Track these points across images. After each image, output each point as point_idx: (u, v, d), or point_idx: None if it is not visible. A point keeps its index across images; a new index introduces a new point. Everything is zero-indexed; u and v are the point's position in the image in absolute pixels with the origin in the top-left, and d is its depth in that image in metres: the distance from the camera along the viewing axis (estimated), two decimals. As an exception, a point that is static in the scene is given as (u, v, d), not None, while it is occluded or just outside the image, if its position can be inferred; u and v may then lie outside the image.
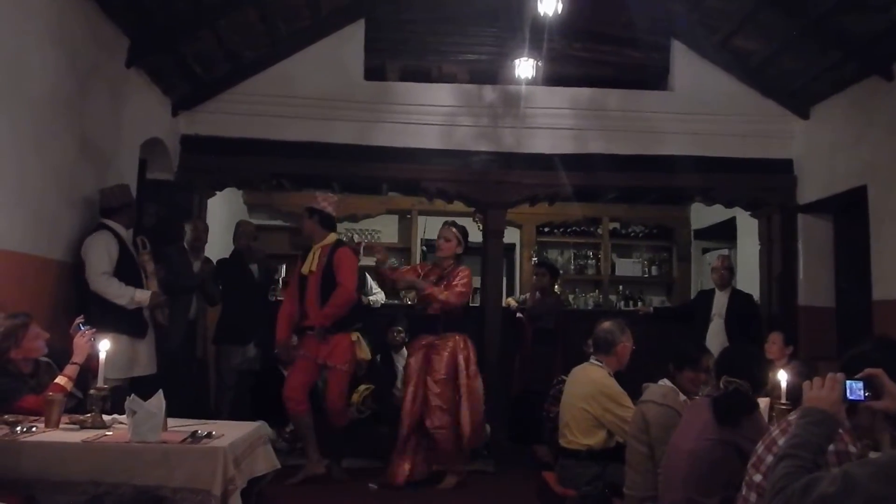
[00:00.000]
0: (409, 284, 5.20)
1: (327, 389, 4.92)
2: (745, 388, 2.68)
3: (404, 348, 6.27)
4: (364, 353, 4.97)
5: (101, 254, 4.18)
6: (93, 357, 3.30)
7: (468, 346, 4.99)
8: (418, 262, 8.74)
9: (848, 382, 1.78)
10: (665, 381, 3.32)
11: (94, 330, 3.42)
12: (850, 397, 1.78)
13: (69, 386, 3.28)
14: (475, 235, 6.94)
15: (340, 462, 5.03)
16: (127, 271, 4.29)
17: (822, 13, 5.04)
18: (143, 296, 4.30)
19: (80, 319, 3.49)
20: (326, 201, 5.06)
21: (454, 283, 4.95)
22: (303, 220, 5.09)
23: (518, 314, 6.71)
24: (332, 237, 5.00)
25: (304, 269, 4.90)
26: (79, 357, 3.34)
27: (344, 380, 4.91)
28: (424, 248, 8.75)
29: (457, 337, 4.97)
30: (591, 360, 3.94)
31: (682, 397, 3.18)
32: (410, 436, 4.92)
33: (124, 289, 4.21)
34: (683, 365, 3.33)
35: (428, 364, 4.94)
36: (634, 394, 3.71)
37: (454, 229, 5.15)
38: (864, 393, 1.78)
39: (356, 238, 6.53)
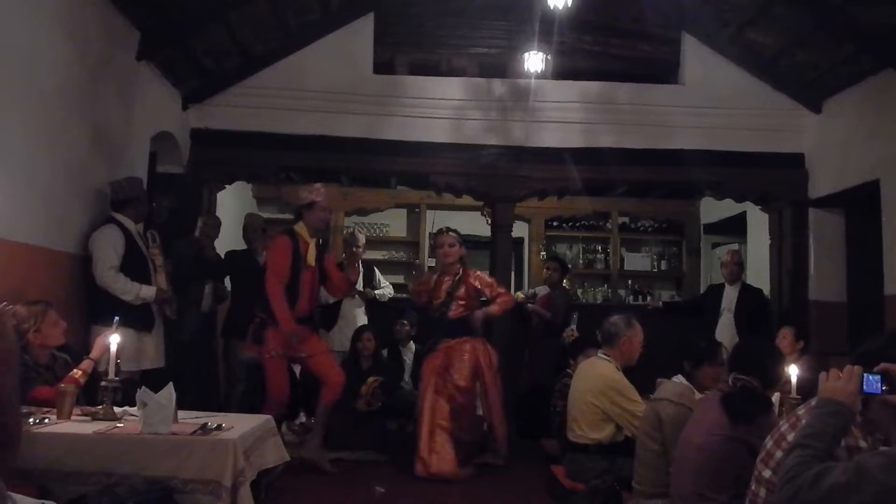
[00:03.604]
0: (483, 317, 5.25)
1: (326, 370, 4.87)
2: (754, 386, 2.65)
3: (411, 341, 6.29)
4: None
5: (106, 248, 4.19)
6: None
7: (487, 349, 5.17)
8: (426, 256, 8.78)
9: (865, 375, 1.78)
10: (680, 378, 3.29)
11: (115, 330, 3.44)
12: (867, 390, 1.78)
13: (83, 379, 3.31)
14: (483, 230, 6.96)
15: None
16: (134, 265, 4.31)
17: (835, 6, 4.99)
18: (148, 292, 4.30)
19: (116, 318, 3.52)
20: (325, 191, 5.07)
21: (498, 291, 5.23)
22: (329, 212, 5.11)
23: (528, 304, 6.71)
24: None
25: (311, 261, 4.86)
26: (95, 353, 3.38)
27: (330, 355, 5.12)
28: (433, 242, 8.74)
29: (475, 341, 5.12)
30: (599, 354, 3.94)
31: (698, 395, 3.14)
32: (433, 433, 4.96)
33: (130, 284, 4.21)
34: (701, 361, 3.28)
35: (450, 366, 5.05)
36: (644, 388, 3.70)
37: (453, 234, 5.27)
38: (882, 387, 1.77)
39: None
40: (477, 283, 5.18)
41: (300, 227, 4.91)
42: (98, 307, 4.19)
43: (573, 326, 5.95)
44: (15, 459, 1.07)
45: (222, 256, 5.88)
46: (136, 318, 4.25)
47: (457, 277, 5.17)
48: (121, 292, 4.19)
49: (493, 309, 5.19)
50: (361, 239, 6.50)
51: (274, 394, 4.77)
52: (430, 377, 5.06)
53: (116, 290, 4.18)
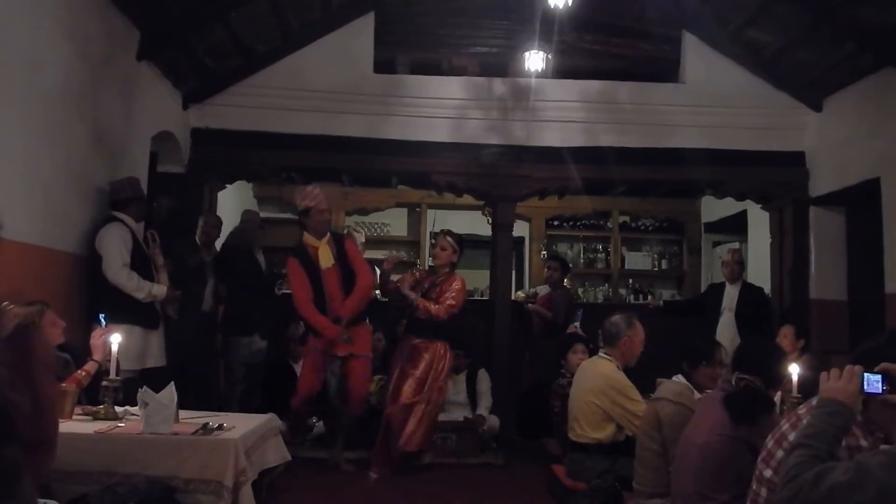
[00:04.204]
0: (403, 296, 5.18)
1: (351, 378, 4.88)
2: (756, 386, 2.65)
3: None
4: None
5: (118, 246, 4.21)
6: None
7: (446, 356, 5.13)
8: (427, 255, 8.79)
9: (866, 375, 1.78)
10: (679, 378, 3.29)
11: (105, 327, 3.46)
12: (868, 390, 1.78)
13: (86, 381, 3.32)
14: (484, 229, 6.96)
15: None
16: (138, 265, 4.32)
17: (836, 4, 4.99)
18: (159, 290, 4.34)
19: (102, 316, 3.55)
20: (320, 191, 5.04)
21: (446, 296, 5.09)
22: (328, 213, 5.00)
23: (528, 305, 6.71)
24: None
25: (325, 264, 4.86)
26: (98, 355, 3.39)
27: (369, 367, 5.04)
28: (433, 241, 8.75)
29: (438, 344, 5.11)
30: (600, 354, 3.94)
31: (697, 395, 3.14)
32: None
33: (142, 282, 4.24)
34: (698, 361, 3.28)
35: (411, 362, 5.07)
36: (645, 388, 3.70)
37: (449, 238, 5.27)
38: (883, 387, 1.77)
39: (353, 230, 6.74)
40: (448, 290, 5.13)
41: (306, 237, 4.94)
42: (107, 306, 4.18)
43: (577, 323, 5.95)
44: (52, 462, 1.08)
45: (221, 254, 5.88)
46: (144, 316, 4.28)
47: (438, 280, 5.19)
48: (133, 290, 4.20)
49: (425, 304, 5.06)
50: (360, 238, 6.52)
51: (301, 388, 4.89)
52: (393, 374, 5.09)
53: (128, 288, 4.19)
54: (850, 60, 5.46)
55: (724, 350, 3.46)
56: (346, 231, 7.34)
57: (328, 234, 4.97)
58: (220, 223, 5.85)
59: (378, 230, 9.05)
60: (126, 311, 4.08)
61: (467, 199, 7.18)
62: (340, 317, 4.77)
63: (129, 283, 4.19)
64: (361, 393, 4.93)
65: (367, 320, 5.07)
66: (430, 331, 5.09)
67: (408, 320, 5.25)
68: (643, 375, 3.80)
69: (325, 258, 4.87)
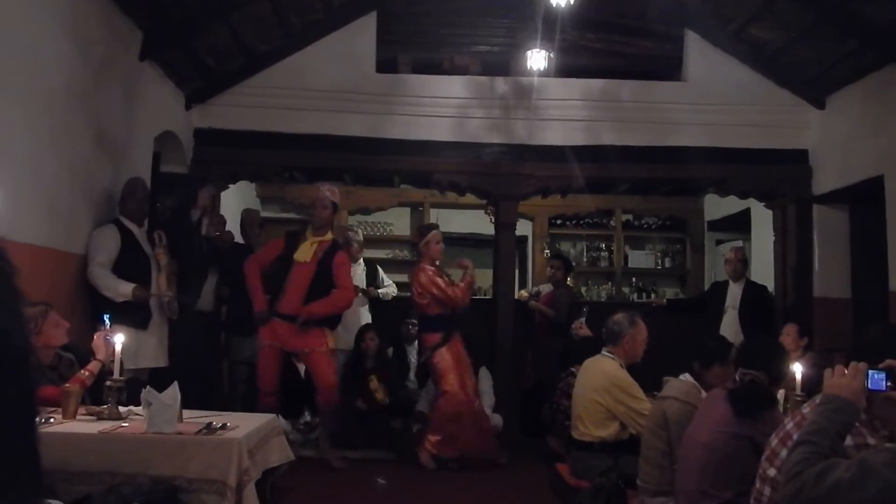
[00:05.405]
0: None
1: (316, 372, 4.98)
2: (761, 380, 2.65)
3: (416, 341, 6.28)
4: (331, 340, 5.16)
5: (97, 245, 4.24)
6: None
7: None
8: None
9: (870, 372, 1.77)
10: (686, 377, 3.28)
11: (108, 327, 3.47)
12: (872, 387, 1.78)
13: (89, 381, 3.32)
14: (487, 228, 6.95)
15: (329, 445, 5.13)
16: (133, 265, 4.32)
17: (838, 1, 4.98)
18: (125, 289, 4.20)
19: (106, 317, 3.57)
20: (336, 194, 5.18)
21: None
22: (325, 210, 5.13)
23: (531, 302, 6.71)
24: (329, 234, 5.14)
25: (300, 257, 4.95)
26: (101, 355, 3.39)
27: (330, 358, 5.07)
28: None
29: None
30: (603, 352, 3.93)
31: (704, 394, 3.13)
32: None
33: (112, 281, 4.21)
34: (712, 362, 3.27)
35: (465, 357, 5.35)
36: (648, 385, 3.70)
37: None
38: (886, 383, 1.77)
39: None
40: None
41: (310, 227, 5.15)
42: (94, 305, 4.20)
43: (582, 319, 5.94)
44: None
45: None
46: (130, 315, 4.24)
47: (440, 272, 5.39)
48: (102, 288, 4.21)
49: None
50: (357, 237, 6.52)
51: (258, 382, 4.99)
52: (462, 368, 5.25)
53: (101, 287, 4.21)
54: (853, 57, 5.44)
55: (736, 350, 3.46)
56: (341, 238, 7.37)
57: (326, 235, 5.08)
58: (225, 221, 5.85)
59: (380, 229, 9.05)
60: (116, 311, 4.08)
61: (470, 198, 7.18)
62: (299, 315, 4.83)
63: (98, 281, 4.20)
64: (328, 382, 4.98)
65: (327, 331, 5.09)
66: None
67: (452, 319, 5.34)
68: (647, 374, 3.80)
69: (301, 253, 4.97)
